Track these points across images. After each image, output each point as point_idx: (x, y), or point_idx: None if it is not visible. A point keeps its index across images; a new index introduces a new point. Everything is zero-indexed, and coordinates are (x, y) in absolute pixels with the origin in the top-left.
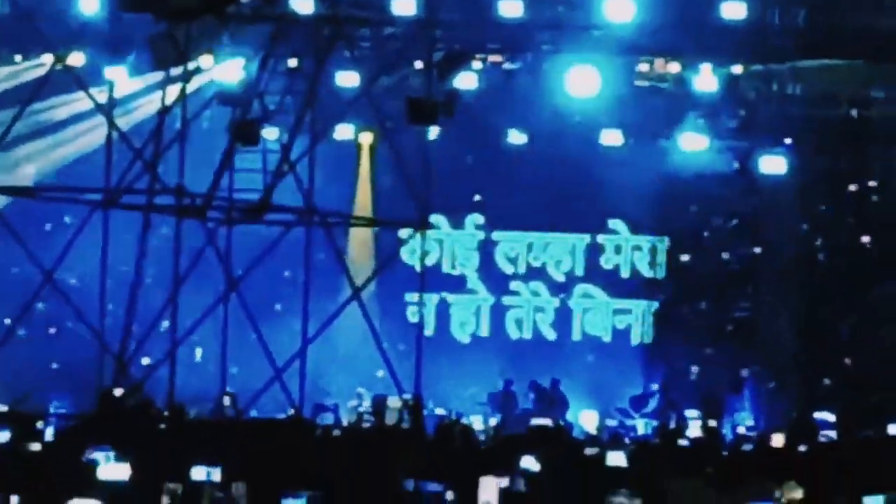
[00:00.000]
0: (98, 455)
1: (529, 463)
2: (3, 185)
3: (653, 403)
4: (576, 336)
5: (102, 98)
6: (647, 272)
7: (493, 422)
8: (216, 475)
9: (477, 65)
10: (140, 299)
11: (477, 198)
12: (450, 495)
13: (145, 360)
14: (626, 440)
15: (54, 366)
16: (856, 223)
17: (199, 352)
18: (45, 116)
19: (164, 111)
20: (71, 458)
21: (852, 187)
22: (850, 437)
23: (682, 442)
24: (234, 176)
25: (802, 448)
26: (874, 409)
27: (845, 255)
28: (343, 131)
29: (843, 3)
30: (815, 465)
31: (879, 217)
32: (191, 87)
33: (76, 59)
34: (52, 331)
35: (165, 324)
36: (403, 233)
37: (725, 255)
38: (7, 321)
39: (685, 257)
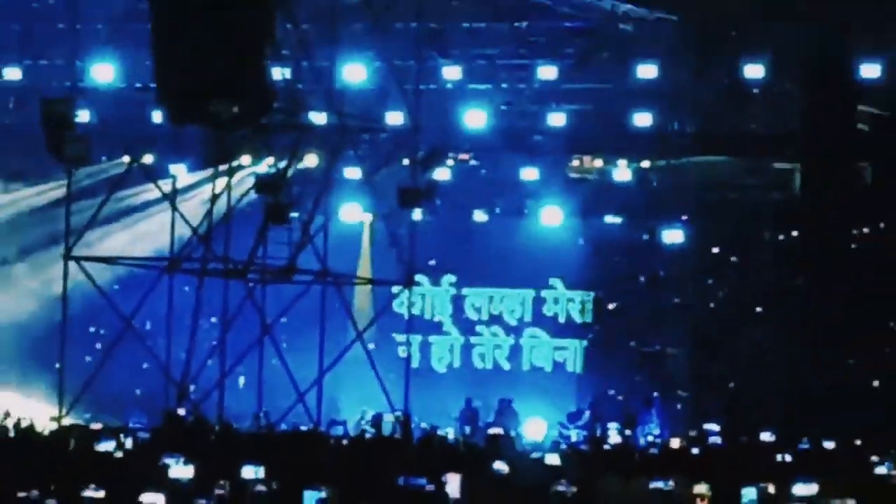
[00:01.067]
0: (169, 460)
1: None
2: (93, 255)
3: (584, 418)
4: (525, 367)
5: (167, 188)
6: (578, 318)
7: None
8: (261, 473)
9: (450, 162)
10: (196, 341)
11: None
12: (430, 487)
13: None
14: (563, 446)
15: (137, 391)
16: (737, 278)
17: (241, 380)
18: (124, 203)
19: (214, 198)
20: (148, 462)
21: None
22: (731, 443)
23: (606, 447)
24: (268, 246)
25: (695, 450)
26: (751, 422)
27: (727, 303)
28: (349, 211)
29: (725, 114)
30: (704, 463)
31: (750, 274)
32: (234, 180)
33: (147, 158)
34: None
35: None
36: (395, 289)
37: (639, 303)
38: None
39: (611, 305)
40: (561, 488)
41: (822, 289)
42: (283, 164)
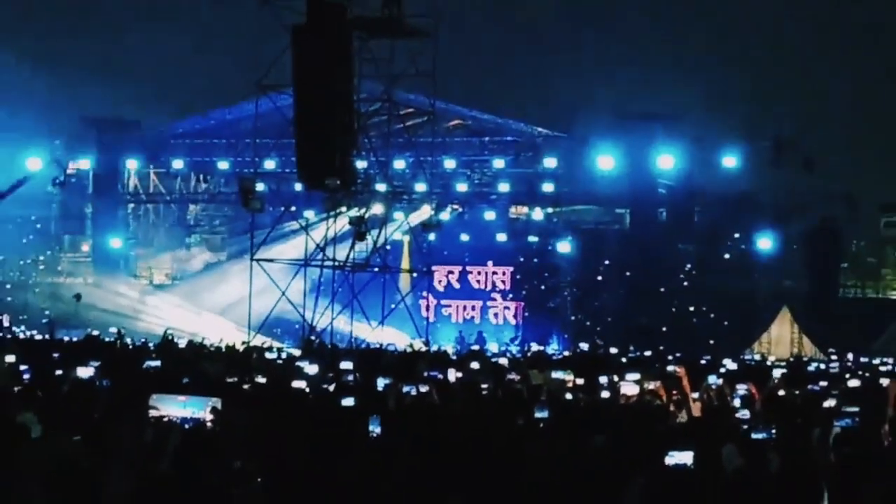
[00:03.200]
0: (303, 363)
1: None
2: (265, 258)
3: (518, 340)
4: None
5: (302, 223)
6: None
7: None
8: (350, 366)
9: (450, 209)
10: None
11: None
12: (440, 376)
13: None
14: (508, 355)
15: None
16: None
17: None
18: (283, 230)
19: (332, 228)
20: (294, 364)
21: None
22: (594, 353)
23: (529, 354)
24: (354, 252)
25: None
26: (606, 343)
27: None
28: (397, 234)
29: (581, 182)
30: (579, 362)
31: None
32: (341, 220)
33: (292, 208)
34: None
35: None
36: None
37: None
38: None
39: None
40: (510, 376)
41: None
42: (362, 211)
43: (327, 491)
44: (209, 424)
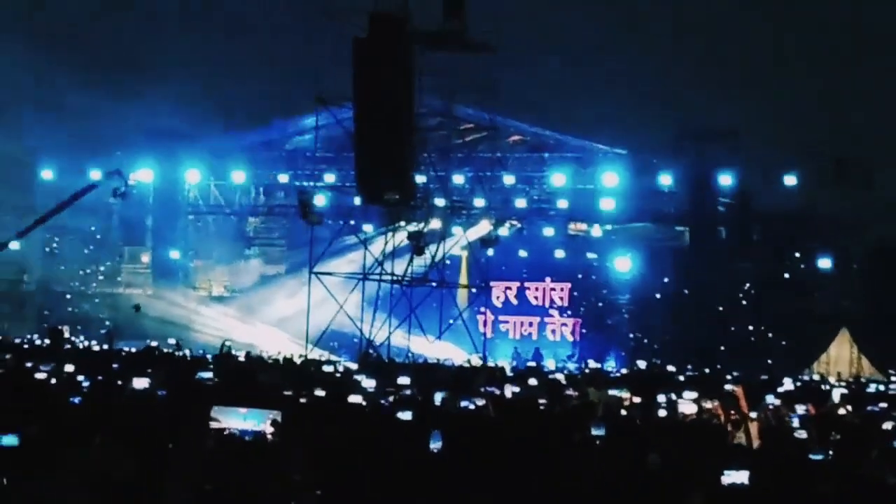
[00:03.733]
0: (360, 377)
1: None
2: (324, 271)
3: (575, 357)
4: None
5: (361, 237)
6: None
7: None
8: (408, 381)
9: (508, 225)
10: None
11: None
12: (497, 391)
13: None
14: (565, 371)
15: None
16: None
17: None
18: (342, 244)
19: (390, 242)
20: (351, 378)
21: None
22: (651, 371)
23: (587, 371)
24: (413, 267)
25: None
26: (662, 361)
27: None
28: (455, 249)
29: (647, 200)
30: (637, 381)
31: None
32: (399, 235)
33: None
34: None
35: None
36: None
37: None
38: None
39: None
40: (568, 392)
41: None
42: (420, 226)
43: None
44: (269, 437)
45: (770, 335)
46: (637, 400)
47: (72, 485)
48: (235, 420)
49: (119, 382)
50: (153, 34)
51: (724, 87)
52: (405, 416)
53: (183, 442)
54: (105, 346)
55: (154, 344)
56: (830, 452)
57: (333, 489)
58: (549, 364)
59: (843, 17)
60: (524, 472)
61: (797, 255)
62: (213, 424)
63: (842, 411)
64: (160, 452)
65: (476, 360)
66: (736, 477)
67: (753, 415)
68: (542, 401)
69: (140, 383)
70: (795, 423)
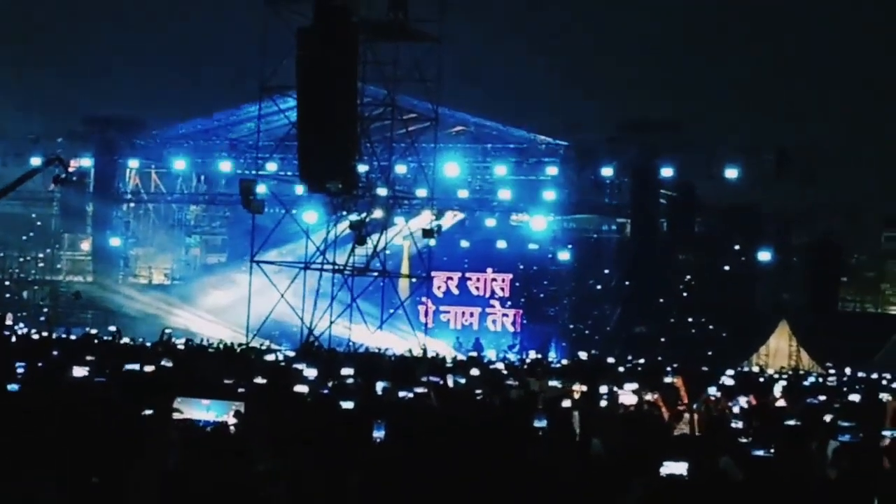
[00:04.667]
0: (302, 366)
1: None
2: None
3: (516, 347)
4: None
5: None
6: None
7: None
8: (351, 372)
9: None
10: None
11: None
12: (440, 381)
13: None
14: (506, 362)
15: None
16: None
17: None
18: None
19: (328, 231)
20: (291, 367)
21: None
22: (596, 363)
23: (527, 362)
24: (354, 257)
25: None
26: (600, 352)
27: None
28: (397, 238)
29: (590, 191)
30: (579, 372)
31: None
32: (341, 224)
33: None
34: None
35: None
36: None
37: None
38: None
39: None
40: (509, 382)
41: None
42: (363, 215)
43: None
44: (232, 428)
45: (710, 327)
46: (580, 389)
47: (38, 481)
48: (198, 411)
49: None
50: (95, 21)
51: (667, 80)
52: (347, 405)
53: (147, 432)
54: (44, 334)
55: (94, 332)
56: (772, 450)
57: (302, 477)
58: (490, 354)
59: (788, 9)
60: (467, 461)
61: (737, 247)
62: (176, 415)
63: (781, 403)
64: (117, 444)
65: (417, 350)
66: (675, 468)
67: (694, 406)
68: (479, 391)
69: (79, 371)
70: (736, 409)
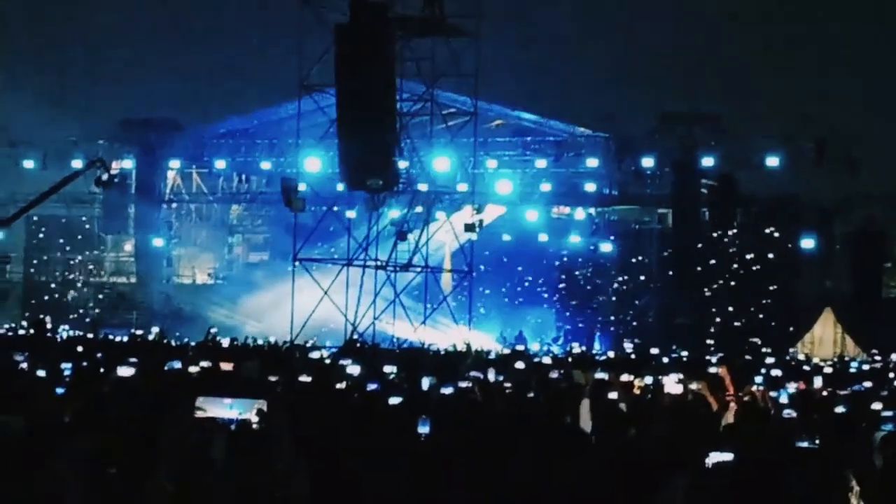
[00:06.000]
0: (346, 362)
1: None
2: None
3: (560, 340)
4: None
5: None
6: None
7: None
8: (395, 369)
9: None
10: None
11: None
12: (481, 376)
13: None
14: (550, 354)
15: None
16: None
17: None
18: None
19: (370, 228)
20: (336, 364)
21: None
22: (639, 355)
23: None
24: (397, 253)
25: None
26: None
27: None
28: (439, 234)
29: (632, 183)
30: (623, 365)
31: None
32: (383, 221)
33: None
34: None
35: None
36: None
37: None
38: None
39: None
40: (553, 375)
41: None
42: (404, 211)
43: (377, 493)
44: (255, 426)
45: (755, 316)
46: (627, 381)
47: (65, 477)
48: (221, 409)
49: (103, 371)
50: (129, 22)
51: (706, 71)
52: (394, 401)
53: (168, 431)
54: (90, 335)
55: (139, 332)
56: (817, 441)
57: (322, 476)
58: (534, 347)
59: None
60: (514, 456)
61: (777, 235)
62: (199, 414)
63: (826, 392)
64: (146, 442)
65: (461, 345)
66: (722, 458)
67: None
68: (527, 384)
69: (125, 371)
70: (784, 399)
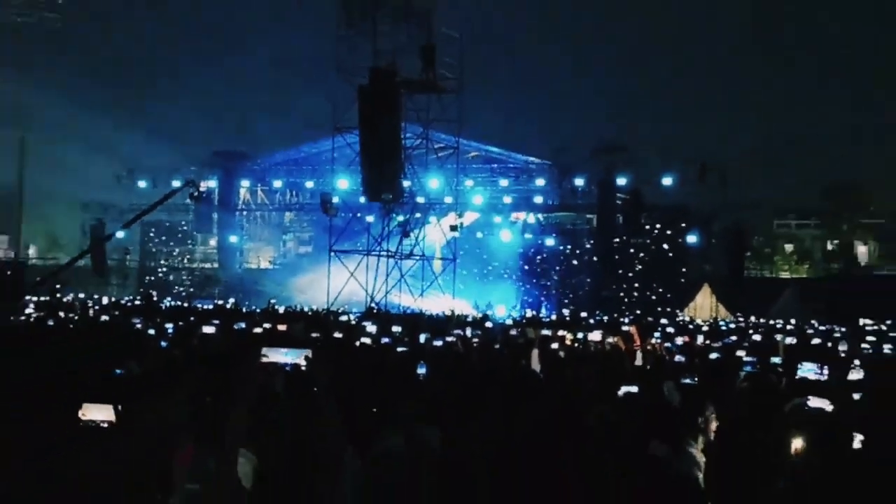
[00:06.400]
0: (367, 323)
1: (488, 325)
2: (340, 249)
3: (518, 306)
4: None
5: (365, 225)
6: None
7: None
8: (399, 329)
9: (470, 217)
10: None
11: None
12: (461, 332)
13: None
14: (512, 317)
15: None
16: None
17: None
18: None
19: (385, 228)
20: (360, 325)
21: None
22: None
23: (528, 316)
24: (402, 245)
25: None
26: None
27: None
28: (434, 232)
29: (567, 197)
30: (565, 324)
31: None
32: (392, 223)
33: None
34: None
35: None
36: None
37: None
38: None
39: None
40: (512, 332)
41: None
42: (407, 216)
43: (385, 414)
44: (303, 368)
45: (655, 291)
46: (563, 336)
47: (173, 405)
48: (279, 356)
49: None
50: (211, 81)
51: (622, 114)
52: (400, 350)
53: (242, 372)
54: (184, 305)
55: (220, 302)
56: (696, 378)
57: (350, 403)
58: (500, 312)
59: (708, 51)
60: (487, 389)
61: (671, 233)
62: (264, 360)
63: (706, 342)
64: (226, 380)
65: (448, 311)
66: (630, 390)
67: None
68: (495, 338)
69: (209, 329)
70: (674, 349)
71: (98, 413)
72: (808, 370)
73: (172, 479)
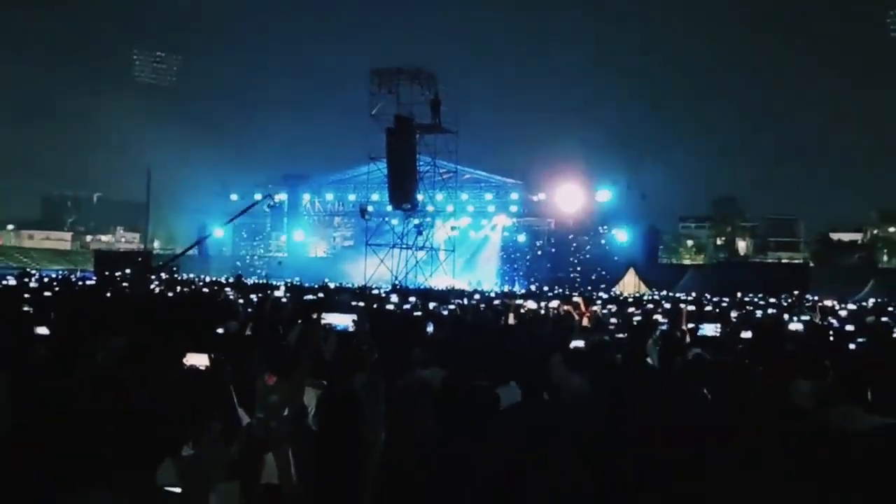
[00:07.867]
0: (393, 295)
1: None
2: (374, 243)
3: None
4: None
5: (392, 226)
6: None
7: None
8: (413, 300)
9: (460, 223)
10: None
11: None
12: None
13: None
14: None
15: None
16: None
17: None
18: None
19: (405, 229)
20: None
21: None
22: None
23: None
24: (416, 240)
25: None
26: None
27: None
28: (440, 231)
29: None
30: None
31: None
32: (410, 225)
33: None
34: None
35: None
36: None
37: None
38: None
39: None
40: (496, 302)
41: (560, 251)
42: (420, 220)
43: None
44: (351, 328)
45: (598, 273)
46: (529, 305)
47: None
48: (333, 318)
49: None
50: (278, 114)
51: (572, 148)
52: (416, 314)
53: (307, 329)
54: (262, 282)
55: (289, 281)
56: (625, 334)
57: (383, 350)
58: (486, 287)
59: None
60: (481, 339)
61: (601, 231)
62: (322, 321)
63: (631, 309)
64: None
65: (449, 286)
66: (578, 343)
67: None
68: (482, 306)
69: (280, 294)
70: (609, 314)
71: (197, 360)
72: (707, 330)
73: (256, 395)
